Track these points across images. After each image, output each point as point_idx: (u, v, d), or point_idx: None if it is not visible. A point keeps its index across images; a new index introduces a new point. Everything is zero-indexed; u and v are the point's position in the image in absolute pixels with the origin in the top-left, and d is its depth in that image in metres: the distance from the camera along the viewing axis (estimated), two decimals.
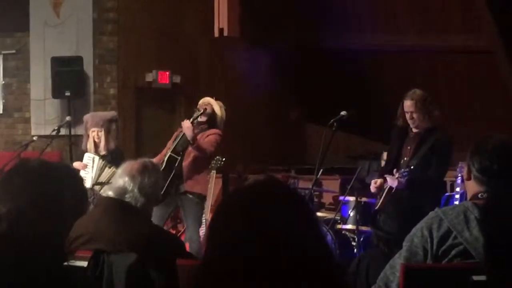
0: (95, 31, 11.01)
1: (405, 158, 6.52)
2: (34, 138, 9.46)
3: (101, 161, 7.61)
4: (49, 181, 2.48)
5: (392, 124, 6.68)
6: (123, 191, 3.98)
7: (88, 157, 7.65)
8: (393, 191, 6.40)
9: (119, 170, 4.14)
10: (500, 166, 3.26)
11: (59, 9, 11.11)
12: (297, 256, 1.89)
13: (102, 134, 7.72)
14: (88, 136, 7.75)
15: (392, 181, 6.38)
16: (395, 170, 6.38)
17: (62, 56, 10.79)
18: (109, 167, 7.59)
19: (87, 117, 7.99)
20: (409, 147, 6.54)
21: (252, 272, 1.86)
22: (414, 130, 6.51)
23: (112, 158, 7.68)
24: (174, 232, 8.77)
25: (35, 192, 2.43)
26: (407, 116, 6.46)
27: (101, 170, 7.61)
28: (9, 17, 11.15)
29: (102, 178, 7.59)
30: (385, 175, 6.52)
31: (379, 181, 6.56)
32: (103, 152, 7.69)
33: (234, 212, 1.97)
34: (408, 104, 6.46)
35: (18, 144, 10.31)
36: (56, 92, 10.76)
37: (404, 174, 6.32)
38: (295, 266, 1.88)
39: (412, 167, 6.36)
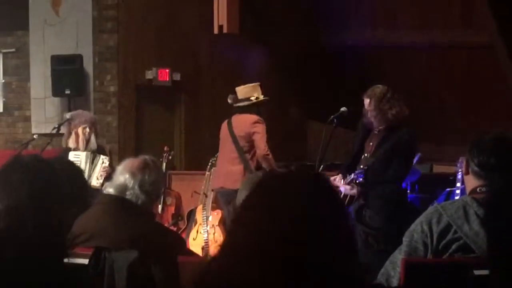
0: (94, 29, 11.01)
1: (366, 154, 6.47)
2: (35, 136, 9.45)
3: (89, 153, 7.64)
4: (45, 174, 2.49)
5: (359, 121, 6.63)
6: (123, 188, 3.98)
7: (75, 155, 7.66)
8: (347, 198, 6.37)
9: (120, 167, 4.13)
10: (498, 159, 3.27)
11: (58, 7, 11.11)
12: (321, 254, 1.86)
13: (92, 131, 7.77)
14: (76, 134, 7.75)
15: (344, 189, 6.34)
16: (348, 175, 6.36)
17: (62, 54, 10.79)
18: (96, 157, 7.66)
19: (72, 115, 7.99)
20: (371, 143, 6.47)
21: (270, 263, 1.85)
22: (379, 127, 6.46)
23: (98, 153, 7.76)
24: (175, 229, 8.78)
25: (31, 186, 2.44)
26: (368, 114, 6.43)
27: (92, 163, 7.65)
28: (9, 16, 11.15)
29: (94, 168, 7.63)
30: (341, 184, 6.47)
31: (337, 178, 6.51)
32: (92, 148, 7.73)
33: (261, 203, 1.94)
34: (365, 102, 6.42)
35: (18, 142, 10.32)
36: (56, 91, 10.76)
37: (359, 175, 6.29)
38: (316, 263, 1.86)
39: (365, 168, 6.33)
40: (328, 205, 1.93)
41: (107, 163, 7.62)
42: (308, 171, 2.06)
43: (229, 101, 8.21)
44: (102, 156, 7.69)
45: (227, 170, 7.98)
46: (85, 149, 7.70)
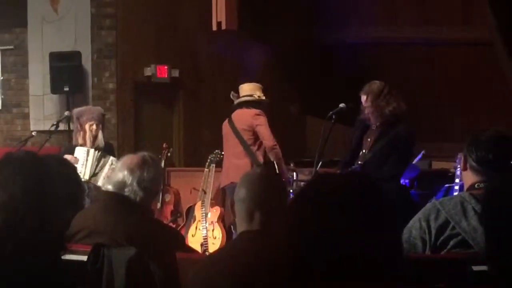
0: (93, 26, 10.99)
1: (364, 151, 6.47)
2: (33, 133, 9.44)
3: (96, 152, 7.63)
4: (38, 168, 2.48)
5: (357, 117, 6.63)
6: (122, 185, 3.98)
7: (82, 151, 7.64)
8: None
9: (119, 164, 4.13)
10: (496, 156, 3.28)
11: (57, 4, 11.09)
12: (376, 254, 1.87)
13: (100, 127, 7.75)
14: (84, 130, 7.74)
15: None
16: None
17: (60, 51, 10.77)
18: (105, 157, 7.63)
19: (79, 111, 7.98)
20: (369, 139, 6.47)
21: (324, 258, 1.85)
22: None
23: (106, 151, 7.73)
24: (174, 226, 8.79)
25: (25, 180, 2.43)
26: (366, 110, 6.43)
27: (98, 161, 7.62)
28: (7, 13, 11.13)
29: (99, 169, 7.61)
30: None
31: None
32: (99, 145, 7.71)
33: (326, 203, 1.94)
34: (362, 99, 6.42)
35: (17, 139, 10.29)
36: (55, 88, 10.75)
37: (355, 170, 6.29)
38: (371, 262, 1.86)
39: (362, 163, 6.33)
40: (378, 206, 1.95)
41: (115, 165, 7.60)
42: (360, 175, 2.08)
43: (231, 97, 8.23)
44: (112, 158, 7.66)
45: (234, 165, 7.97)
46: (92, 145, 7.69)
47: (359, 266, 1.84)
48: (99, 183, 7.49)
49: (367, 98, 6.36)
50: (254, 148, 7.96)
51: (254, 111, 8.02)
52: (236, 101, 8.16)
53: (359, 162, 6.38)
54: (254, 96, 8.10)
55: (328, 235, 1.87)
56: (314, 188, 2.02)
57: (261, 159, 7.94)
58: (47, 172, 2.50)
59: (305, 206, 1.96)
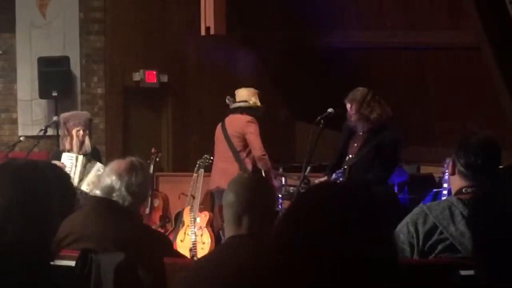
0: (81, 31, 10.97)
1: (350, 156, 6.49)
2: (21, 138, 9.44)
3: (83, 158, 7.61)
4: (34, 178, 2.47)
5: (345, 122, 6.65)
6: (110, 190, 3.97)
7: (69, 156, 7.63)
8: None
9: (107, 169, 4.13)
10: (484, 161, 3.29)
11: (45, 9, 11.07)
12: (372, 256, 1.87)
13: (86, 133, 7.73)
14: (71, 136, 7.72)
15: None
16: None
17: (49, 56, 10.75)
18: (90, 162, 7.62)
19: (66, 116, 7.96)
20: (355, 144, 6.49)
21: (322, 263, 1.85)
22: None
23: (93, 156, 7.72)
24: (162, 231, 8.77)
25: (19, 190, 2.42)
26: (351, 118, 6.45)
27: (84, 167, 7.61)
28: None
29: (86, 174, 7.60)
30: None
31: (323, 179, 6.53)
32: (87, 151, 7.70)
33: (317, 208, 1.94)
34: (347, 107, 6.44)
35: (5, 145, 10.27)
36: (43, 93, 10.72)
37: (338, 175, 6.30)
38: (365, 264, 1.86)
39: (346, 167, 6.34)
40: (369, 209, 1.95)
41: (103, 171, 7.60)
42: (354, 183, 2.08)
43: (227, 102, 8.22)
44: (99, 164, 7.64)
45: (222, 169, 7.98)
46: (79, 151, 7.66)
47: (351, 270, 1.84)
48: (83, 187, 7.49)
49: (351, 106, 6.38)
50: (243, 154, 7.96)
51: (246, 117, 8.01)
52: (231, 106, 8.15)
53: (345, 167, 6.39)
54: (249, 102, 8.09)
55: (319, 238, 1.87)
56: (306, 194, 2.02)
57: (249, 166, 7.93)
58: (43, 184, 2.49)
59: (296, 210, 1.97)
